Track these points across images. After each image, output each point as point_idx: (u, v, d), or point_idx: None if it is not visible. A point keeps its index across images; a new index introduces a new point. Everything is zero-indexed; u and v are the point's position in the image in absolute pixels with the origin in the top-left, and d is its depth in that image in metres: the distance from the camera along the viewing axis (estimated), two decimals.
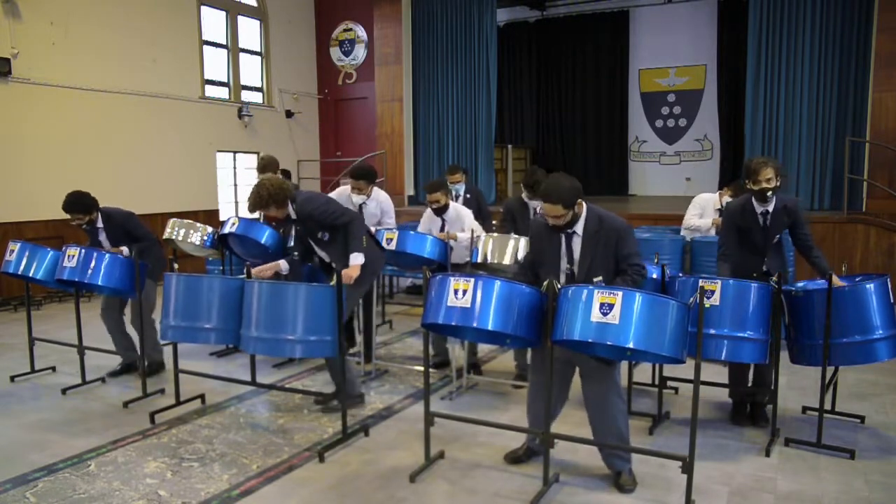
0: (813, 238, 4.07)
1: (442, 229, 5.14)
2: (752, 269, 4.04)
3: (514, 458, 3.60)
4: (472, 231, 4.84)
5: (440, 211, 5.13)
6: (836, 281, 3.74)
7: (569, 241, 3.30)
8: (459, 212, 5.19)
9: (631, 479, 3.32)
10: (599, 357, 3.25)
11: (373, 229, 5.22)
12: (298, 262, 4.42)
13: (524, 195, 4.83)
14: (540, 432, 3.28)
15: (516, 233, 4.79)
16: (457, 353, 4.90)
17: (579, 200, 3.22)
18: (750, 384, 4.23)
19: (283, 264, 4.28)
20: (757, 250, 4.06)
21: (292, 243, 4.57)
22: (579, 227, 3.28)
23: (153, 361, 5.09)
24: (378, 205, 5.52)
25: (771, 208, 4.00)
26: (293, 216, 4.16)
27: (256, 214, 5.99)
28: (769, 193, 3.91)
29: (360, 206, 5.42)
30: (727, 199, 5.83)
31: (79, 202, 4.82)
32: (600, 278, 3.19)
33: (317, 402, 4.47)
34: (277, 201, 4.01)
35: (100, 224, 4.95)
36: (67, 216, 4.86)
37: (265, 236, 5.35)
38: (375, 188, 5.55)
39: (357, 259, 4.08)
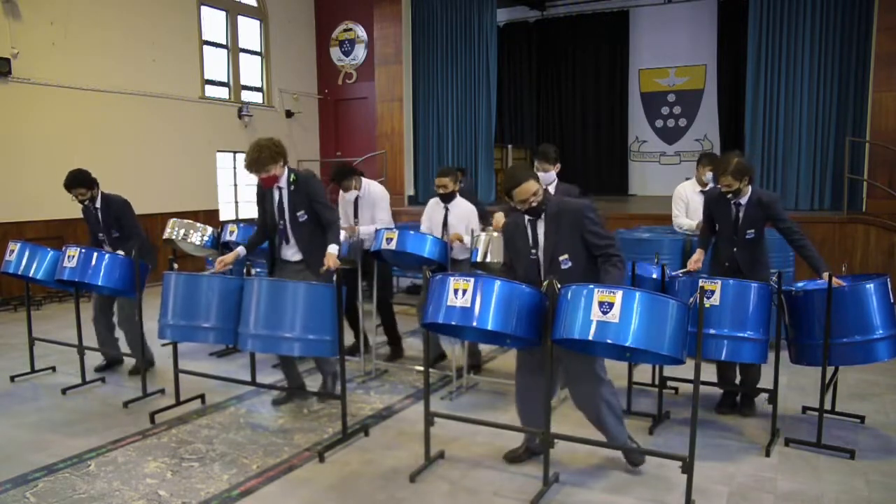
0: (801, 233, 3.99)
1: (445, 221, 5.12)
2: (723, 259, 4.20)
3: (514, 458, 3.60)
4: (472, 231, 4.84)
5: (446, 198, 5.13)
6: (834, 280, 3.73)
7: (534, 227, 3.35)
8: (465, 207, 5.16)
9: (638, 456, 3.48)
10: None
11: (368, 229, 5.25)
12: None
13: (537, 169, 4.82)
14: (540, 432, 3.28)
15: None
16: (457, 352, 4.91)
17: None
18: (738, 380, 4.33)
19: (241, 250, 4.34)
20: (728, 240, 4.16)
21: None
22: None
23: (149, 359, 5.15)
24: (370, 195, 5.50)
25: (744, 201, 4.07)
26: (289, 179, 4.18)
27: (254, 215, 6.01)
28: (728, 196, 4.05)
29: (357, 200, 5.45)
30: (709, 174, 5.57)
31: (79, 177, 4.88)
32: (566, 256, 3.26)
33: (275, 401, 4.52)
34: (275, 158, 4.07)
35: (98, 205, 5.02)
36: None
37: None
38: (365, 180, 5.55)
39: (334, 249, 4.12)
